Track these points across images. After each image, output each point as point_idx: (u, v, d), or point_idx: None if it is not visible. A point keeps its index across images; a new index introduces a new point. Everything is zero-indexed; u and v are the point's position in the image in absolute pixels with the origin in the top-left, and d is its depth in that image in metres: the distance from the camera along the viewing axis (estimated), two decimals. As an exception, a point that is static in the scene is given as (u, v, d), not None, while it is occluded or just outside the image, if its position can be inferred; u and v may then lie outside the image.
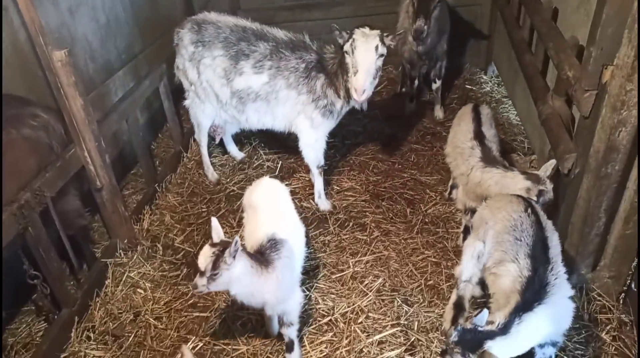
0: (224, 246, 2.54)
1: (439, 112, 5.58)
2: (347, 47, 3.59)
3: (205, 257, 2.52)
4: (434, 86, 5.51)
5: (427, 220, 4.21)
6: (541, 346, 2.74)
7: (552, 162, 3.22)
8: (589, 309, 3.26)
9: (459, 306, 3.01)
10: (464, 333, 2.32)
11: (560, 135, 3.25)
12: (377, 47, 3.52)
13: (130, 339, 3.31)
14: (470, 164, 3.53)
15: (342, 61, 3.75)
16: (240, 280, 2.61)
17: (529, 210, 2.80)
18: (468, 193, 3.60)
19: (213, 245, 2.57)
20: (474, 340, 2.31)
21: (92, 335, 3.34)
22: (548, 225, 2.82)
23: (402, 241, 4.01)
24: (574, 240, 3.24)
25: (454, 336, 2.32)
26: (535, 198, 3.12)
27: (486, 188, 3.40)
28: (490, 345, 2.30)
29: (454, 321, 3.09)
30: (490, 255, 2.83)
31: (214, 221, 2.66)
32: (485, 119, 3.78)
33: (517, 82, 5.35)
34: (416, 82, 5.58)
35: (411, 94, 5.65)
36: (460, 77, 6.39)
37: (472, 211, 3.49)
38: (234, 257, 2.54)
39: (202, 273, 2.52)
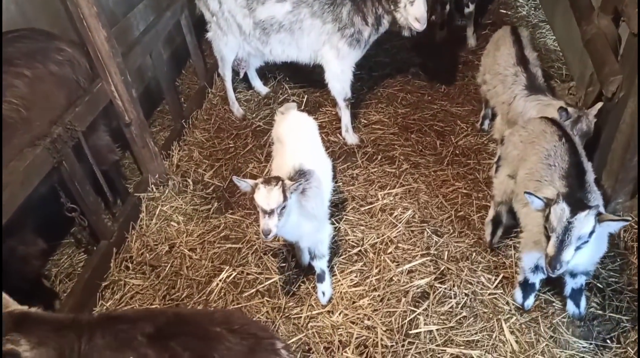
0: (275, 179, 2.50)
1: (471, 40, 5.31)
2: None
3: (269, 195, 2.43)
4: (467, 11, 5.19)
5: (457, 152, 4.12)
6: (573, 276, 2.72)
7: (599, 104, 3.09)
8: (625, 237, 3.19)
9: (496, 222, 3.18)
10: None
11: (606, 56, 3.04)
12: None
13: (167, 269, 3.43)
14: (514, 93, 3.39)
15: None
16: (291, 211, 2.59)
17: (563, 139, 2.70)
18: (509, 123, 3.47)
19: (265, 182, 2.48)
20: None
21: (130, 265, 3.48)
22: (583, 153, 2.73)
23: (432, 173, 3.95)
24: (614, 168, 3.12)
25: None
26: (570, 124, 3.02)
27: (528, 118, 3.27)
28: None
29: (493, 235, 3.25)
30: (525, 186, 2.75)
31: (236, 180, 2.55)
32: (527, 42, 3.57)
33: (557, 4, 4.99)
34: (447, 7, 5.27)
35: (442, 20, 5.35)
36: (495, 1, 6.00)
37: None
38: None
39: (272, 212, 2.44)
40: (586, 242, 2.23)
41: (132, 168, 4.38)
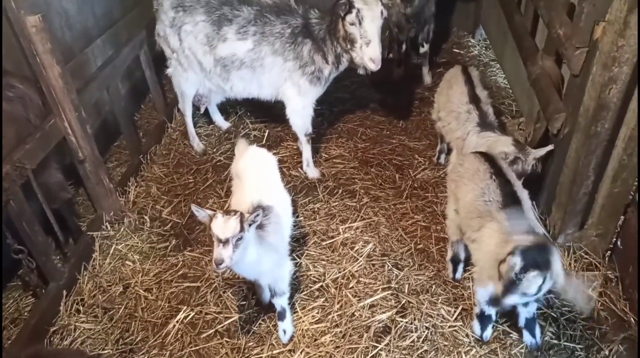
0: (235, 211, 2.47)
1: (426, 77, 5.51)
2: (351, 18, 3.52)
3: (225, 224, 2.39)
4: (422, 50, 5.41)
5: (416, 185, 4.20)
6: (525, 305, 2.78)
7: (549, 147, 3.26)
8: (576, 267, 3.31)
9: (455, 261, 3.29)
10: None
11: (550, 95, 3.22)
12: (382, 13, 3.46)
13: (121, 311, 3.29)
14: (467, 129, 3.51)
15: (334, 28, 3.68)
16: (248, 249, 2.55)
17: (494, 176, 2.83)
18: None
19: (225, 212, 2.45)
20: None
21: (81, 308, 3.32)
22: (517, 183, 2.86)
23: (392, 206, 4.00)
24: (562, 200, 3.25)
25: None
26: (508, 163, 3.17)
27: (464, 154, 3.40)
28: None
29: (455, 272, 3.33)
30: (468, 225, 2.84)
31: (195, 208, 2.51)
32: (477, 81, 3.74)
33: (505, 44, 5.28)
34: (404, 46, 5.47)
35: (399, 58, 5.55)
36: (448, 40, 6.29)
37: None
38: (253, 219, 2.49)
39: (226, 242, 2.38)
40: (532, 297, 2.32)
41: (86, 205, 4.24)
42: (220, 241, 2.41)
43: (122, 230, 3.83)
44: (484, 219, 2.67)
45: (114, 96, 4.15)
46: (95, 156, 3.59)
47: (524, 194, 2.78)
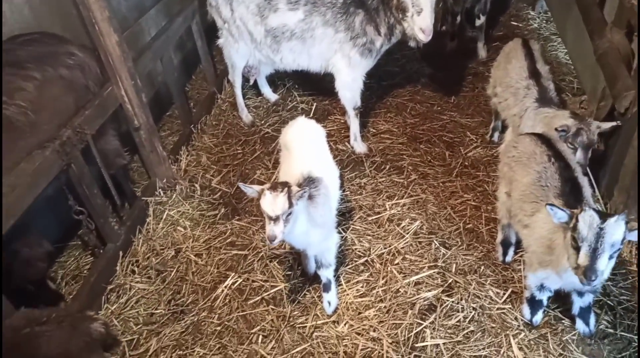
0: (282, 185, 2.48)
1: (481, 51, 5.29)
2: None
3: (274, 201, 2.41)
4: (478, 23, 5.18)
5: (466, 163, 4.09)
6: (580, 295, 2.68)
7: (615, 123, 3.07)
8: (637, 254, 3.14)
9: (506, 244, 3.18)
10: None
11: (619, 71, 3.02)
12: None
13: (173, 274, 3.42)
14: (525, 105, 3.36)
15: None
16: (299, 219, 2.57)
17: (552, 159, 2.68)
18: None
19: (272, 188, 2.45)
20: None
21: (136, 269, 3.47)
22: (577, 168, 2.71)
23: (441, 184, 3.92)
24: (625, 183, 3.08)
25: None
26: (571, 137, 3.02)
27: (537, 131, 3.24)
28: None
29: (505, 255, 3.23)
30: (520, 208, 2.73)
31: (243, 186, 2.54)
32: (538, 56, 3.55)
33: (569, 17, 4.97)
34: (458, 18, 5.26)
35: (452, 32, 5.34)
36: (506, 12, 6.00)
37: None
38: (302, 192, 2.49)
39: (277, 219, 2.41)
40: (619, 250, 2.14)
41: (140, 171, 4.39)
42: (270, 218, 2.44)
43: (174, 196, 3.95)
44: (539, 204, 2.56)
45: (167, 66, 4.23)
46: (150, 124, 3.69)
47: (584, 181, 2.63)
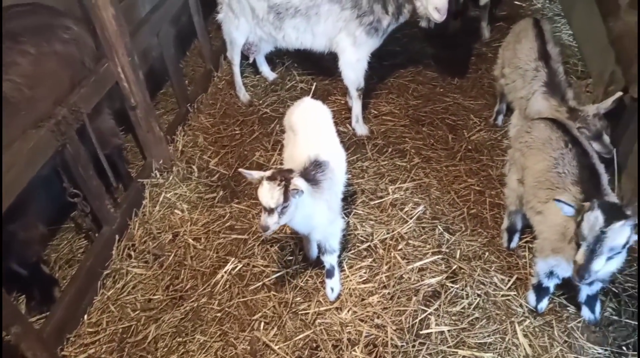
0: (282, 175, 2.40)
1: (485, 31, 5.17)
2: None
3: (269, 193, 2.36)
4: (482, 2, 5.02)
5: (470, 147, 4.02)
6: (590, 283, 2.64)
7: (618, 94, 2.97)
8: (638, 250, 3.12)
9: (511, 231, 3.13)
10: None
11: (634, 55, 2.93)
12: None
13: (171, 258, 3.34)
14: (533, 88, 3.28)
15: None
16: (303, 206, 2.51)
17: (570, 145, 2.61)
18: (526, 119, 3.37)
19: (271, 178, 2.39)
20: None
21: (132, 253, 3.38)
22: (594, 155, 2.66)
23: (444, 168, 3.85)
24: (634, 170, 3.03)
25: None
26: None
27: (532, 121, 3.17)
28: None
29: (510, 241, 3.19)
30: (534, 195, 2.67)
31: (245, 172, 2.48)
32: (549, 37, 3.45)
33: (577, -2, 4.86)
34: (463, -4, 5.11)
35: (455, 11, 5.18)
36: (510, -8, 5.85)
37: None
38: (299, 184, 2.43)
39: (271, 210, 2.38)
40: (619, 253, 2.13)
41: (135, 151, 4.26)
42: (265, 209, 2.39)
43: (170, 178, 3.83)
44: (554, 191, 2.50)
45: (164, 41, 4.06)
46: (147, 102, 3.55)
47: (602, 168, 2.57)
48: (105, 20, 3.02)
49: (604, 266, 2.15)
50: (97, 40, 3.14)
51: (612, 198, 2.47)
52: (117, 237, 3.37)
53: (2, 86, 2.56)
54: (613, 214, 2.11)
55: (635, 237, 2.10)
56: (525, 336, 2.78)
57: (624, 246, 2.12)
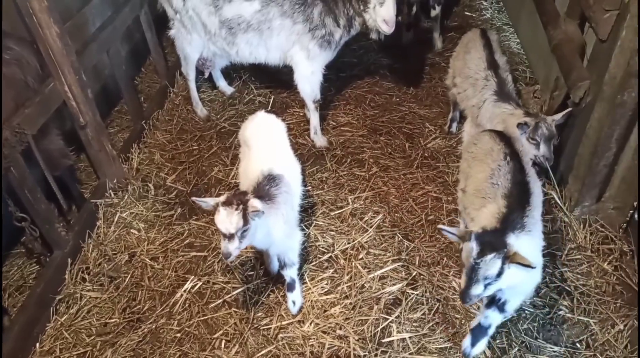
0: (238, 199, 2.37)
1: (437, 42, 5.31)
2: None
3: (227, 219, 2.33)
4: (433, 13, 5.18)
5: (426, 155, 4.10)
6: (500, 309, 2.59)
7: (567, 110, 3.09)
8: (592, 240, 3.24)
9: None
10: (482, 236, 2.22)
11: (573, 62, 3.07)
12: None
13: (127, 280, 3.24)
14: (484, 97, 3.38)
15: None
16: (261, 224, 2.49)
17: (508, 158, 2.67)
18: (478, 126, 3.46)
19: (226, 203, 2.36)
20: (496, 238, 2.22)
21: (87, 276, 3.27)
22: (531, 171, 2.69)
23: (402, 176, 3.91)
24: (580, 172, 3.16)
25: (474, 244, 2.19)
26: (531, 132, 3.05)
27: (494, 125, 3.27)
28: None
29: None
30: (471, 202, 2.75)
31: (197, 200, 2.45)
32: (496, 46, 3.58)
33: (522, 7, 5.06)
34: (414, 9, 5.24)
35: (408, 22, 5.32)
36: (460, 3, 6.04)
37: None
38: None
39: (232, 236, 2.35)
40: (495, 281, 2.18)
41: (88, 171, 4.14)
42: (225, 236, 2.36)
43: (126, 197, 3.74)
44: (486, 201, 2.56)
45: (114, 58, 3.99)
46: (97, 121, 3.47)
47: (536, 186, 2.58)
48: (49, 38, 2.95)
49: (486, 291, 2.20)
50: (42, 60, 3.05)
51: (534, 219, 2.45)
52: (69, 261, 3.25)
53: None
54: (488, 245, 2.16)
55: (511, 267, 2.16)
56: (484, 338, 2.83)
57: (497, 276, 2.17)
